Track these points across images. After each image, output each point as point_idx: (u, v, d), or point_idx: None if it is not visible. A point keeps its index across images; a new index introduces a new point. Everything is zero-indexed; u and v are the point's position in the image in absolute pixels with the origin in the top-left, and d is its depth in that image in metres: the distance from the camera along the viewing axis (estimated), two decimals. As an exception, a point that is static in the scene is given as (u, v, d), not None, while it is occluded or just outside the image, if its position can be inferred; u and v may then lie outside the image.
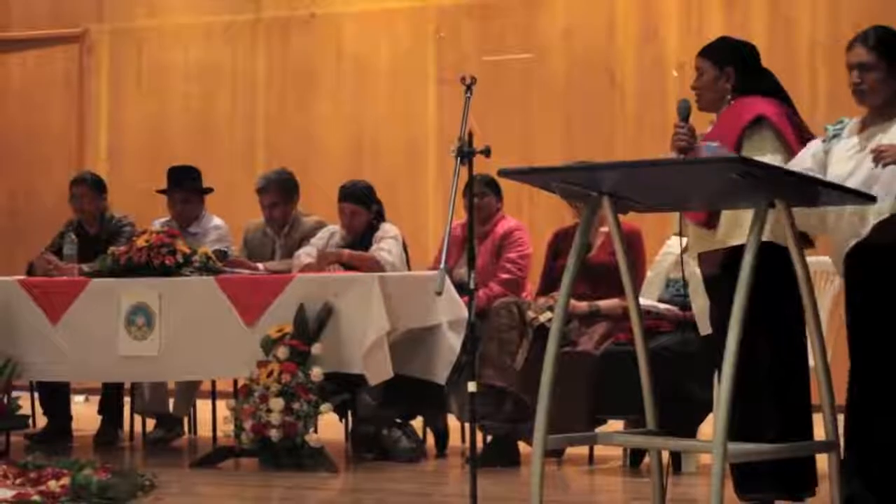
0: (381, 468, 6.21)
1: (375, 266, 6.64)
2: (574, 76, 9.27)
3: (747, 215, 4.29)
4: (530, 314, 6.22)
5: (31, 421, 7.12)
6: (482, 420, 6.10)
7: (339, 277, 6.41)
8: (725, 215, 4.47)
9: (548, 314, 6.10)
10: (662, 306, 6.14)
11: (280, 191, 7.28)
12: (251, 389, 6.16)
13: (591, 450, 6.33)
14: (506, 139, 8.52)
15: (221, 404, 6.69)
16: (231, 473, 6.17)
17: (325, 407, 6.12)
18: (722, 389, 3.71)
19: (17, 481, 5.40)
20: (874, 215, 4.18)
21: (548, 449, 4.03)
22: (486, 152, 4.81)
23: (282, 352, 6.13)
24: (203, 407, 7.46)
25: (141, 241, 6.68)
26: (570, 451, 6.41)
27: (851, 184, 4.18)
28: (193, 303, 6.48)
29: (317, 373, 6.08)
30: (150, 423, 7.40)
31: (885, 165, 4.09)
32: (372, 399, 6.38)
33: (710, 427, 5.44)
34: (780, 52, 8.38)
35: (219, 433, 6.84)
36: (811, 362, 4.22)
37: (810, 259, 4.13)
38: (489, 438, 6.38)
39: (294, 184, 7.34)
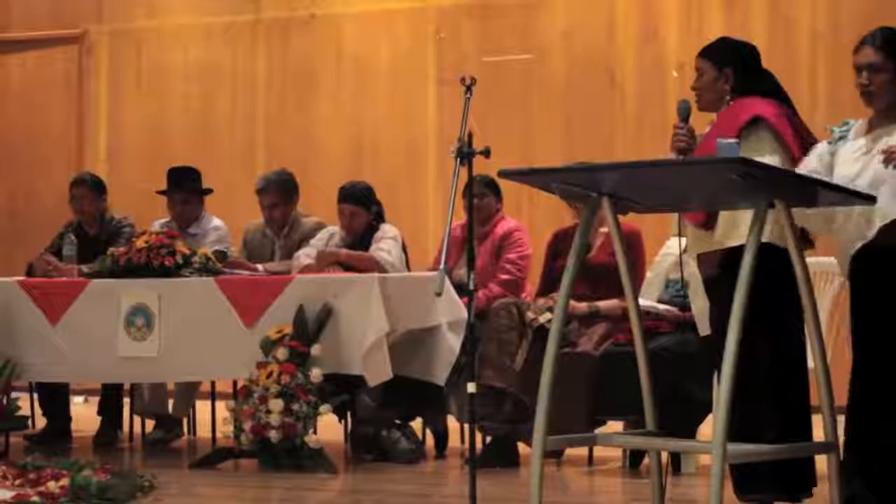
0: (381, 469, 6.21)
1: (374, 266, 6.63)
2: (574, 77, 9.27)
3: (745, 216, 4.30)
4: (530, 315, 6.22)
5: (30, 422, 7.11)
6: (481, 421, 6.09)
7: (338, 278, 6.40)
8: (723, 216, 4.47)
9: (547, 315, 6.10)
10: (662, 307, 6.14)
11: (280, 192, 7.28)
12: (250, 390, 6.15)
13: (591, 451, 6.32)
14: (505, 140, 8.51)
15: (221, 405, 6.69)
16: (230, 474, 6.17)
17: (324, 408, 6.12)
18: (721, 390, 3.71)
19: (17, 482, 5.40)
20: (880, 218, 4.17)
21: (547, 450, 4.03)
22: (486, 153, 4.81)
23: (281, 353, 6.13)
24: (202, 408, 7.45)
25: (140, 242, 6.68)
26: (569, 451, 6.41)
27: (858, 185, 4.18)
28: (193, 304, 6.48)
29: (316, 374, 6.08)
30: (150, 423, 7.39)
31: (895, 167, 4.08)
32: (371, 400, 6.38)
33: (710, 428, 5.44)
34: (779, 53, 8.38)
35: (218, 434, 6.84)
36: (810, 363, 4.22)
37: (810, 260, 4.13)
38: (488, 439, 6.38)
39: (294, 185, 7.34)
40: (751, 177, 3.69)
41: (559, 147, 9.05)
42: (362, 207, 6.93)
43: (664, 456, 4.29)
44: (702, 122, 4.70)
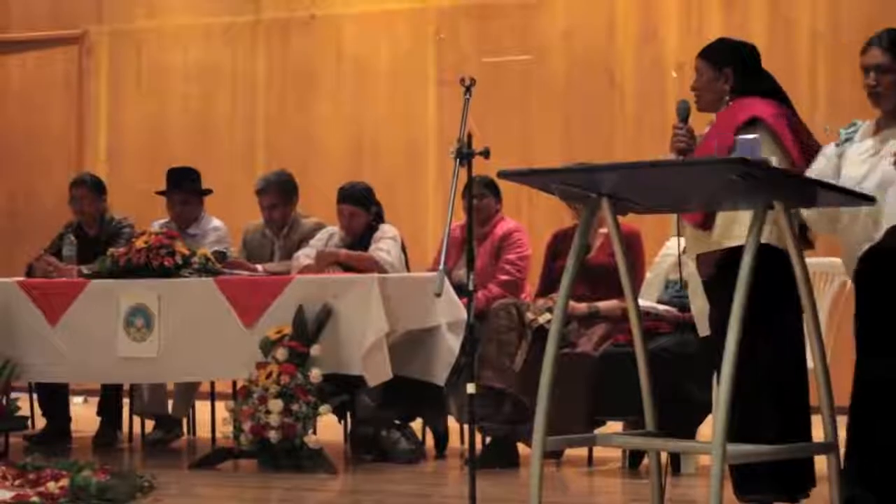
0: (380, 469, 6.21)
1: (373, 265, 6.64)
2: (573, 77, 9.27)
3: (743, 216, 4.30)
4: (529, 315, 6.22)
5: (30, 422, 7.11)
6: (481, 421, 6.09)
7: (338, 279, 6.40)
8: (721, 217, 4.47)
9: (547, 315, 6.10)
10: (661, 307, 6.14)
11: (279, 192, 7.28)
12: (250, 391, 6.15)
13: (591, 451, 6.32)
14: (505, 140, 8.51)
15: (220, 405, 6.69)
16: (230, 475, 6.17)
17: (324, 408, 6.12)
18: (721, 391, 3.71)
19: (16, 482, 5.40)
20: (887, 220, 4.17)
21: (547, 450, 4.03)
22: (486, 154, 4.82)
23: (281, 353, 6.13)
24: (202, 408, 7.46)
25: (140, 243, 6.68)
26: (569, 452, 6.41)
27: (866, 187, 4.19)
28: (192, 304, 6.48)
29: (316, 374, 6.08)
30: (149, 424, 7.40)
31: None
32: (371, 400, 6.38)
33: (709, 428, 5.44)
34: (779, 53, 8.38)
35: (218, 434, 6.84)
36: (810, 364, 4.22)
37: (809, 260, 4.13)
38: (488, 440, 6.38)
39: (293, 185, 7.34)
40: (750, 177, 3.69)
41: (558, 148, 9.06)
42: (362, 208, 6.93)
43: (664, 456, 4.29)
44: (701, 123, 4.70)
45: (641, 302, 5.21)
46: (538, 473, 3.98)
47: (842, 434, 4.01)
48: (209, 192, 7.68)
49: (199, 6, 10.33)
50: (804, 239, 4.49)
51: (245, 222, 7.60)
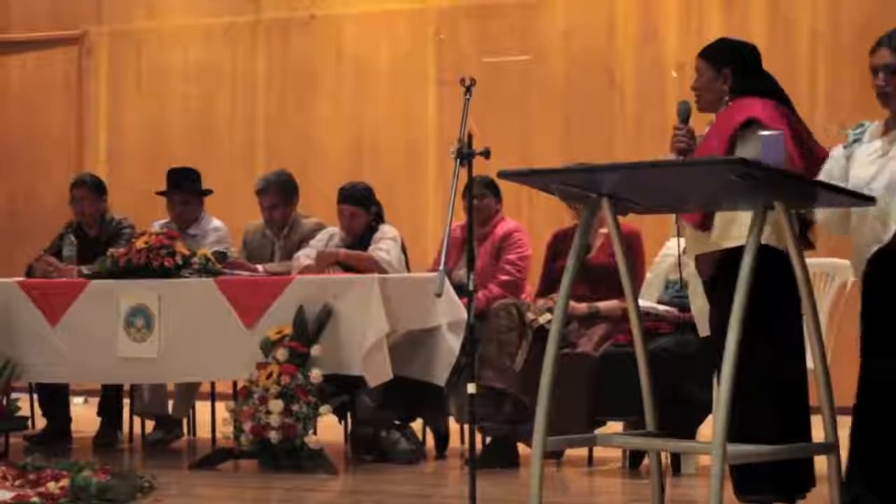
0: (381, 470, 6.21)
1: (372, 265, 6.64)
2: (573, 77, 9.27)
3: (741, 217, 4.31)
4: (530, 315, 6.22)
5: (30, 422, 7.11)
6: (481, 421, 6.09)
7: (338, 279, 6.41)
8: (720, 217, 4.47)
9: (547, 315, 6.10)
10: (662, 308, 6.14)
11: (279, 192, 7.28)
12: (250, 391, 6.15)
13: (591, 451, 6.32)
14: (505, 140, 8.51)
15: (221, 406, 6.69)
16: (230, 475, 6.17)
17: (324, 409, 6.12)
18: (721, 391, 3.71)
19: (17, 483, 5.40)
20: None
21: (547, 450, 4.03)
22: (486, 154, 4.82)
23: (281, 353, 6.13)
24: (202, 408, 7.46)
25: (140, 243, 6.68)
26: (569, 452, 6.41)
27: (875, 188, 4.19)
28: (193, 304, 6.48)
29: (316, 374, 6.08)
30: (150, 424, 7.40)
31: None
32: (371, 401, 6.38)
33: (710, 428, 5.44)
34: (779, 53, 8.38)
35: (218, 435, 6.84)
36: (809, 364, 4.22)
37: (809, 261, 4.13)
38: (488, 440, 6.38)
39: (293, 185, 7.34)
40: (750, 177, 3.69)
41: (558, 148, 9.06)
42: (362, 208, 6.93)
43: (664, 456, 4.29)
44: (702, 123, 4.70)
45: (641, 302, 5.21)
46: (538, 473, 3.98)
47: (843, 434, 4.01)
48: (209, 192, 7.68)
49: (198, 6, 10.33)
50: (804, 239, 4.49)
51: (245, 223, 7.60)
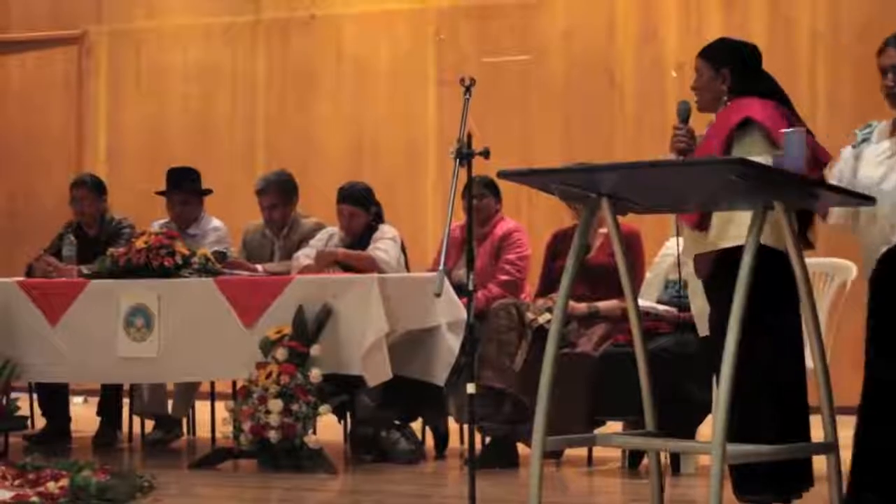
0: (380, 470, 6.21)
1: (371, 265, 6.64)
2: (573, 77, 9.27)
3: (738, 217, 4.31)
4: (529, 315, 6.22)
5: (29, 422, 7.11)
6: (481, 421, 6.09)
7: (337, 279, 6.41)
8: (717, 217, 4.47)
9: (547, 315, 6.10)
10: (661, 307, 6.14)
11: (279, 192, 7.28)
12: (250, 391, 6.15)
13: (590, 451, 6.32)
14: (505, 140, 8.51)
15: (220, 405, 6.69)
16: (230, 475, 6.17)
17: (323, 408, 6.12)
18: (720, 391, 3.71)
19: (16, 482, 5.40)
20: None
21: (547, 450, 4.03)
22: (486, 154, 4.82)
23: (280, 353, 6.13)
24: (202, 408, 7.46)
25: (140, 243, 6.68)
26: (568, 452, 6.41)
27: (885, 188, 4.20)
28: (192, 304, 6.48)
29: (315, 374, 6.08)
30: (149, 424, 7.39)
31: None
32: (371, 400, 6.38)
33: (709, 428, 5.43)
34: (779, 53, 8.38)
35: (218, 434, 6.84)
36: (808, 364, 4.22)
37: (809, 261, 4.13)
38: (488, 440, 6.38)
39: (293, 185, 7.34)
40: (750, 177, 3.69)
41: (558, 148, 9.06)
42: (361, 208, 6.93)
43: (663, 456, 4.29)
44: (702, 123, 4.70)
45: (641, 302, 5.21)
46: (538, 473, 3.98)
47: (842, 434, 4.01)
48: (209, 192, 7.68)
49: (198, 6, 10.33)
50: (804, 239, 4.49)
51: (245, 222, 7.60)
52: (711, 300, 4.66)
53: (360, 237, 6.91)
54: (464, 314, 5.80)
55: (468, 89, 5.03)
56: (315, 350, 6.12)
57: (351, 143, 9.79)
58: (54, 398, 7.31)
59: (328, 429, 6.69)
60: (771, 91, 4.63)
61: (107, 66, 10.48)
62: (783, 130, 4.06)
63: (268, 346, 6.18)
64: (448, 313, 6.33)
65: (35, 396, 7.49)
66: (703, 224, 4.51)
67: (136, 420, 7.40)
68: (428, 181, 9.55)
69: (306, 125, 9.91)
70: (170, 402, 7.34)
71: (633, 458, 6.21)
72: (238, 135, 10.11)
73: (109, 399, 7.39)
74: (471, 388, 4.73)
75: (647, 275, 6.43)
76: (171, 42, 10.32)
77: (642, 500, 5.26)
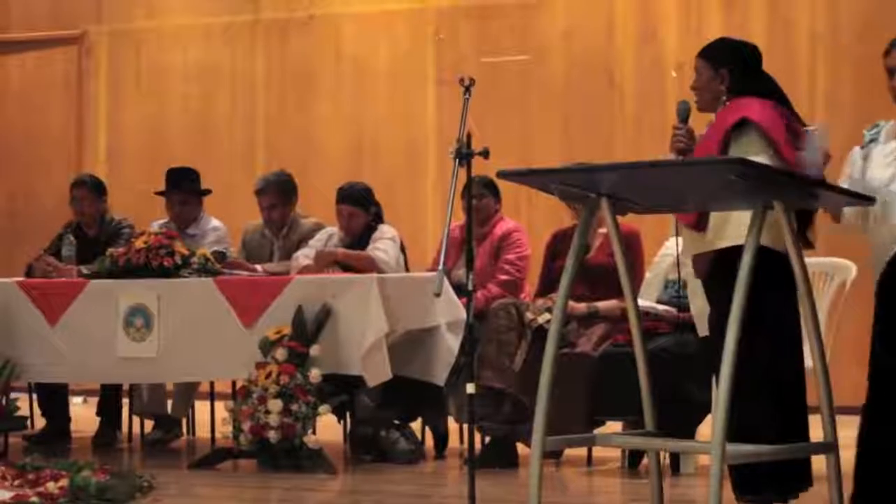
0: (380, 470, 6.21)
1: (370, 265, 6.64)
2: (573, 77, 9.27)
3: (735, 217, 4.31)
4: (529, 315, 6.22)
5: (29, 422, 7.12)
6: (481, 421, 6.09)
7: (337, 279, 6.40)
8: (714, 217, 4.47)
9: (546, 315, 6.10)
10: (661, 307, 6.14)
11: (279, 192, 7.28)
12: (249, 391, 6.15)
13: (590, 451, 6.32)
14: (504, 140, 8.51)
15: (220, 406, 6.69)
16: (229, 475, 6.17)
17: (323, 408, 6.12)
18: (720, 391, 3.71)
19: (16, 483, 5.40)
20: None
21: (546, 450, 4.03)
22: (485, 154, 4.82)
23: (280, 353, 6.13)
24: (201, 408, 7.46)
25: (139, 243, 6.68)
26: (568, 452, 6.41)
27: (893, 189, 4.20)
28: (192, 304, 6.48)
29: (315, 374, 6.08)
30: (149, 424, 7.39)
31: None
32: (370, 400, 6.38)
33: (709, 428, 5.43)
34: (779, 53, 8.38)
35: (217, 434, 6.84)
36: (808, 363, 4.22)
37: (809, 260, 4.13)
38: (488, 440, 6.38)
39: (293, 185, 7.34)
40: (749, 177, 3.69)
41: (558, 148, 9.06)
42: (360, 208, 6.93)
43: (663, 456, 4.29)
44: (702, 123, 4.70)
45: (641, 302, 5.21)
46: (537, 473, 3.98)
47: (842, 434, 4.00)
48: (208, 192, 7.68)
49: (198, 6, 10.33)
50: (804, 238, 4.49)
51: (244, 222, 7.60)
52: (711, 300, 4.66)
53: (359, 237, 6.91)
54: (463, 314, 5.80)
55: (468, 89, 5.03)
56: (314, 350, 6.12)
57: (350, 143, 9.79)
58: (54, 398, 7.31)
59: (328, 429, 6.69)
60: (770, 91, 4.63)
61: (106, 66, 10.47)
62: (806, 129, 4.06)
63: (267, 346, 6.18)
64: (448, 313, 6.33)
65: (35, 396, 7.49)
66: (700, 224, 4.51)
67: (136, 420, 7.40)
68: (427, 181, 9.55)
69: (306, 125, 9.91)
70: (169, 402, 7.34)
71: (633, 458, 6.21)
72: (237, 135, 10.11)
73: (109, 399, 7.39)
74: (470, 388, 4.73)
75: (647, 275, 6.43)
76: (171, 42, 10.32)
77: (642, 500, 5.26)
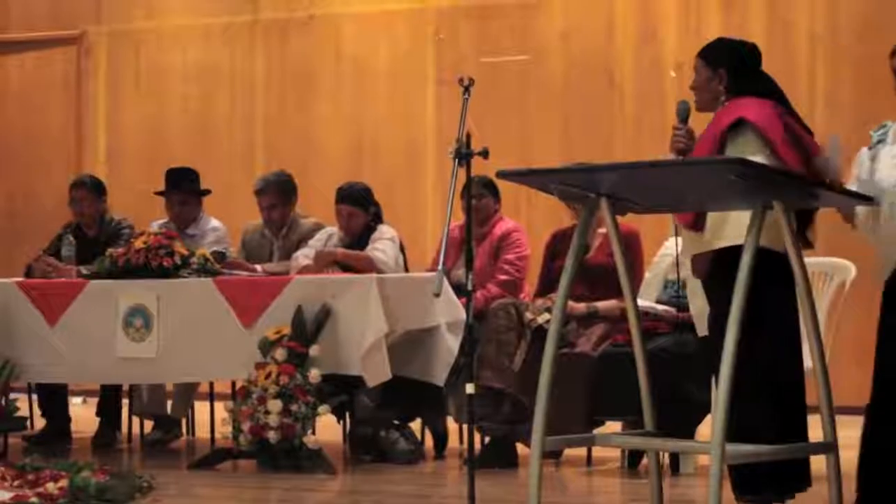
0: (380, 470, 6.21)
1: (370, 265, 6.63)
2: (572, 77, 9.27)
3: (732, 217, 4.31)
4: (528, 315, 6.22)
5: (29, 423, 7.12)
6: (480, 421, 6.09)
7: (336, 279, 6.40)
8: (712, 217, 4.46)
9: (546, 315, 6.10)
10: (660, 307, 6.14)
11: (278, 192, 7.28)
12: (249, 391, 6.15)
13: (590, 451, 6.32)
14: (504, 140, 8.51)
15: (219, 406, 6.69)
16: (229, 475, 6.17)
17: (323, 408, 6.12)
18: (720, 391, 3.71)
19: (15, 483, 5.40)
20: None
21: (546, 450, 4.03)
22: (485, 154, 4.82)
23: (280, 353, 6.13)
24: (201, 408, 7.45)
25: (139, 243, 6.68)
26: (568, 452, 6.41)
27: None
28: (191, 304, 6.48)
29: (315, 374, 6.08)
30: (148, 424, 7.39)
31: None
32: (370, 401, 6.38)
33: (708, 428, 5.43)
34: (778, 53, 8.38)
35: (217, 435, 6.84)
36: (807, 364, 4.22)
37: (809, 260, 4.13)
38: (487, 440, 6.38)
39: (292, 185, 7.34)
40: (749, 177, 3.69)
41: (557, 148, 9.06)
42: (360, 208, 6.93)
43: (663, 456, 4.29)
44: (702, 123, 4.70)
45: (640, 302, 5.21)
46: (537, 473, 3.98)
47: (841, 434, 4.00)
48: (208, 192, 7.68)
49: (197, 6, 10.33)
50: (803, 238, 4.49)
51: (244, 223, 7.60)
52: (710, 300, 4.66)
53: (358, 237, 6.91)
54: (463, 314, 5.81)
55: (467, 89, 5.03)
56: (314, 350, 6.12)
57: (350, 143, 9.79)
58: (53, 399, 7.31)
59: (327, 429, 6.69)
60: (769, 91, 4.63)
61: (106, 66, 10.47)
62: (829, 136, 4.06)
63: (267, 347, 6.18)
64: (447, 313, 6.33)
65: (34, 397, 7.49)
66: (697, 224, 4.51)
67: (136, 420, 7.40)
68: (427, 181, 9.55)
69: (305, 125, 9.91)
70: (169, 403, 7.34)
71: (633, 458, 6.21)
72: (237, 135, 10.11)
73: (109, 399, 7.39)
74: (470, 388, 4.73)
75: (646, 275, 6.43)
76: (171, 42, 10.32)
77: (641, 500, 5.26)
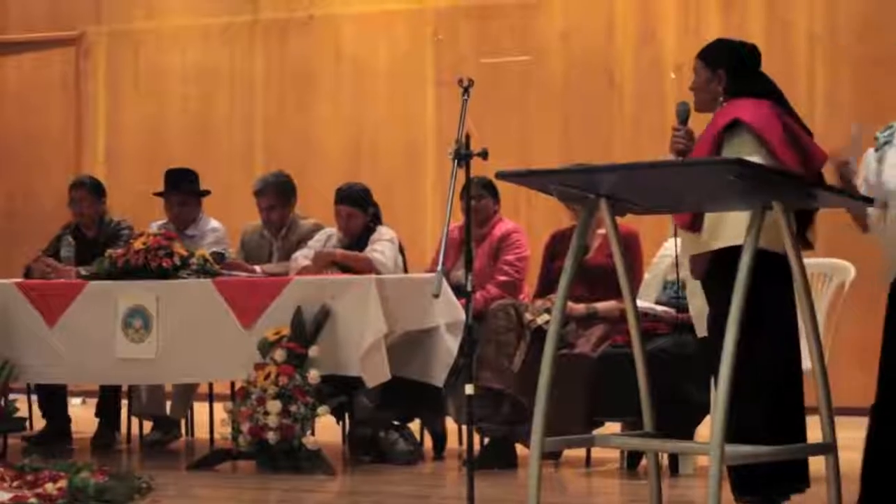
0: (379, 471, 6.21)
1: (368, 266, 6.63)
2: (572, 78, 9.27)
3: (730, 217, 4.31)
4: (528, 316, 6.22)
5: (28, 423, 7.12)
6: (480, 422, 6.09)
7: (336, 280, 6.40)
8: (709, 218, 4.47)
9: (545, 316, 6.10)
10: (660, 308, 6.14)
11: (277, 193, 7.28)
12: (248, 392, 6.15)
13: (589, 452, 6.32)
14: (503, 141, 8.51)
15: (219, 407, 6.68)
16: (228, 476, 6.17)
17: (322, 409, 6.12)
18: (719, 391, 3.71)
19: (15, 484, 5.40)
20: None
21: (545, 451, 4.03)
22: (484, 154, 4.82)
23: (279, 354, 6.13)
24: (200, 409, 7.45)
25: (138, 244, 6.67)
26: (567, 453, 6.41)
27: None
28: (191, 305, 6.47)
29: (314, 375, 6.08)
30: (148, 425, 7.39)
31: None
32: (369, 401, 6.38)
33: (707, 429, 5.43)
34: (777, 54, 8.38)
35: (216, 435, 6.83)
36: (806, 365, 4.22)
37: (808, 261, 4.13)
38: (486, 440, 6.37)
39: (291, 186, 7.34)
40: (747, 177, 3.69)
41: (557, 148, 9.06)
42: (359, 209, 6.93)
43: (662, 457, 4.29)
44: (701, 124, 4.70)
45: (639, 303, 5.21)
46: (536, 474, 3.98)
47: (841, 435, 4.00)
48: (207, 193, 7.67)
49: (196, 7, 10.33)
50: (803, 239, 4.49)
51: (243, 223, 7.60)
52: (709, 301, 4.66)
53: (358, 238, 6.91)
54: (462, 315, 5.82)
55: (467, 90, 5.02)
56: (313, 351, 6.12)
57: (349, 143, 9.79)
58: (53, 399, 7.31)
59: (327, 430, 6.68)
60: (767, 91, 4.63)
61: (105, 66, 10.47)
62: (852, 123, 4.07)
63: (266, 347, 6.18)
64: (446, 314, 6.33)
65: (34, 397, 7.48)
66: (694, 225, 4.51)
67: (135, 421, 7.40)
68: (427, 182, 9.55)
69: (305, 126, 9.91)
70: (168, 404, 7.34)
71: (632, 459, 6.21)
72: (237, 136, 10.11)
73: (108, 400, 7.38)
74: (469, 388, 4.73)
75: (646, 275, 6.42)
76: (170, 43, 10.31)
77: (641, 501, 5.26)
